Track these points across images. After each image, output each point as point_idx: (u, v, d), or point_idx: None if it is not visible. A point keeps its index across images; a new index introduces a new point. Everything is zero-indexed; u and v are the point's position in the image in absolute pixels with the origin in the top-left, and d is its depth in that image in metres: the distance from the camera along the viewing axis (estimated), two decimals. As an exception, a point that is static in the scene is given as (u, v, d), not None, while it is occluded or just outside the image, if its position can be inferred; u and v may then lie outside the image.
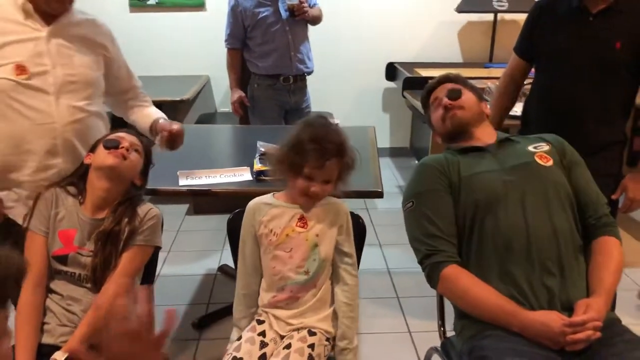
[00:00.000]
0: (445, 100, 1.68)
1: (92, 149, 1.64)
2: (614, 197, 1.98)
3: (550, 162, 1.59)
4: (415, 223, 1.59)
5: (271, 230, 1.54)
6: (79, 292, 1.56)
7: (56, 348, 1.48)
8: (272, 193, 1.61)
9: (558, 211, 1.51)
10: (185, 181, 2.10)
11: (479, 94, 1.74)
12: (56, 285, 1.57)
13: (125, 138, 1.63)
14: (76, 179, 1.63)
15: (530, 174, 1.56)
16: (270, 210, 1.55)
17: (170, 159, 2.41)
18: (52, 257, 1.56)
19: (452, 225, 1.54)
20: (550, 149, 1.63)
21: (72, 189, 1.62)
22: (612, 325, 1.42)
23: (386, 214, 3.74)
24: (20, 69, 1.59)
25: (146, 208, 1.63)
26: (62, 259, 1.55)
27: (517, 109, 3.09)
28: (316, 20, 3.37)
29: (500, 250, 1.48)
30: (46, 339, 1.52)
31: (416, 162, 4.76)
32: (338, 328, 1.55)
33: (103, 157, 1.58)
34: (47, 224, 1.58)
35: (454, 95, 1.68)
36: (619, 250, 1.52)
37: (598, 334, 1.33)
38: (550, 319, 1.36)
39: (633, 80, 2.01)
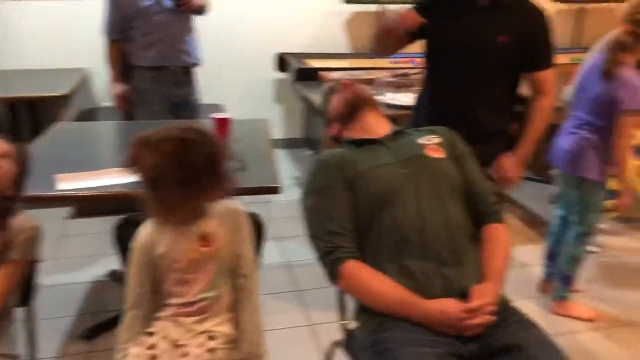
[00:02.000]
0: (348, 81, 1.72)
1: None
2: (492, 174, 2.12)
3: (442, 155, 1.64)
4: (313, 220, 1.57)
5: (173, 260, 1.42)
6: None
7: None
8: (150, 220, 1.45)
9: (450, 202, 1.57)
10: (64, 185, 1.93)
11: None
12: None
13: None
14: None
15: (422, 167, 1.60)
16: (165, 240, 1.42)
17: (47, 161, 2.22)
18: None
19: (350, 221, 1.54)
20: (442, 142, 1.68)
21: None
22: (504, 308, 1.48)
23: (283, 207, 3.70)
24: None
25: (21, 220, 1.48)
26: None
27: (408, 99, 3.17)
28: (202, 10, 3.26)
29: (397, 243, 1.51)
30: None
31: (310, 152, 4.79)
32: (242, 332, 1.48)
33: None
34: None
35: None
36: (506, 236, 1.61)
37: (493, 318, 1.40)
38: (448, 306, 1.40)
39: (517, 73, 2.11)
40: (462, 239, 1.55)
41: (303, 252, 3.08)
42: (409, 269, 1.49)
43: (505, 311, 1.46)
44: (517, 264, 3.02)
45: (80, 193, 1.92)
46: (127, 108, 3.29)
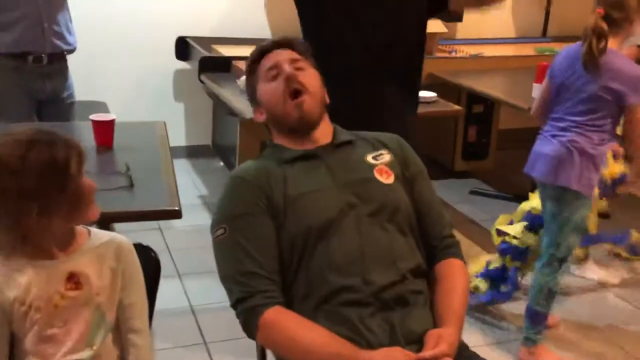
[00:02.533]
0: (288, 71, 1.64)
1: None
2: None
3: (392, 179, 1.66)
4: (227, 256, 1.56)
5: (30, 306, 1.36)
6: None
7: None
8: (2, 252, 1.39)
9: (398, 237, 1.60)
10: None
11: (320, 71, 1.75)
12: None
13: None
14: None
15: (369, 194, 1.61)
16: (21, 279, 1.36)
17: None
18: None
19: (274, 259, 1.54)
20: (392, 160, 1.70)
21: None
22: (461, 353, 1.52)
23: (185, 234, 3.67)
24: None
25: None
26: None
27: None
28: None
29: (330, 287, 1.52)
30: None
31: (221, 164, 4.80)
32: None
33: None
34: None
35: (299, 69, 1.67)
36: (464, 273, 1.67)
37: None
38: (394, 356, 1.42)
39: None
40: (410, 278, 1.58)
41: (210, 293, 3.07)
42: (344, 315, 1.50)
43: (461, 355, 1.50)
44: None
45: None
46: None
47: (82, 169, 1.37)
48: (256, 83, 1.72)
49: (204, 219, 3.87)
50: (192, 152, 4.90)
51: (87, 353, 1.41)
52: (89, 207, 1.40)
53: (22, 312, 1.37)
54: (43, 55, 3.13)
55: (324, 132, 1.70)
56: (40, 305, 1.37)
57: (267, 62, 1.70)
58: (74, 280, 1.39)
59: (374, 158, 1.69)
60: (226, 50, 4.28)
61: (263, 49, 1.73)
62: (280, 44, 1.74)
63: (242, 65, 3.85)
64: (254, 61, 1.74)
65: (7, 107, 3.13)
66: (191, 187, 4.39)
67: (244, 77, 3.47)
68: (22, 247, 1.37)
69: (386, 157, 1.70)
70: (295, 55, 1.71)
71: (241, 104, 3.32)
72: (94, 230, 1.49)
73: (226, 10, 4.76)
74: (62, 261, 1.39)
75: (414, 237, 1.64)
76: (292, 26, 4.78)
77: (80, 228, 1.46)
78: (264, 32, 4.82)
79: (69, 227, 1.41)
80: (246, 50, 4.12)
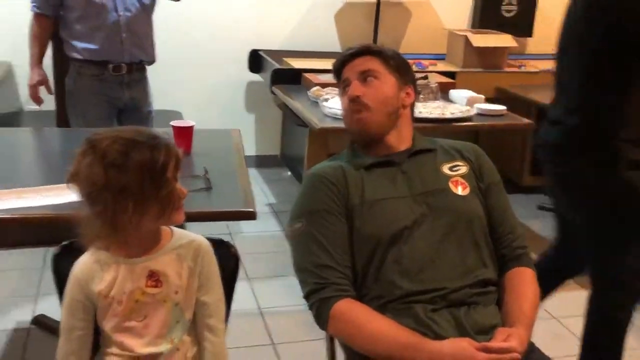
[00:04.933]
0: (351, 92, 1.70)
1: None
2: None
3: (467, 190, 1.69)
4: (303, 249, 1.61)
5: (113, 299, 1.44)
6: None
7: None
8: (96, 248, 1.46)
9: (470, 248, 1.64)
10: (-13, 205, 1.95)
11: (404, 74, 1.75)
12: None
13: None
14: None
15: (443, 205, 1.65)
16: (106, 274, 1.43)
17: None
18: None
19: (346, 255, 1.60)
20: (468, 172, 1.73)
21: None
22: (530, 355, 1.54)
23: (254, 240, 3.74)
24: None
25: None
26: None
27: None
28: None
29: (400, 291, 1.56)
30: None
31: (289, 173, 4.85)
32: None
33: None
34: None
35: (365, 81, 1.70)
36: (535, 282, 1.68)
37: None
38: (462, 346, 1.45)
39: None
40: (479, 286, 1.61)
41: (278, 297, 3.14)
42: (411, 310, 1.55)
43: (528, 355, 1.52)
44: (546, 316, 3.08)
45: (8, 216, 1.93)
46: (59, 109, 3.32)
47: (177, 173, 1.40)
48: (339, 93, 1.80)
49: (272, 225, 3.95)
50: (261, 162, 4.97)
51: (166, 347, 1.46)
52: (177, 211, 1.42)
53: (105, 304, 1.43)
54: (122, 64, 3.21)
55: (401, 138, 1.74)
56: (122, 299, 1.43)
57: (344, 74, 1.76)
58: (154, 278, 1.44)
59: (451, 169, 1.72)
60: (297, 63, 4.34)
61: (343, 59, 1.77)
62: (358, 52, 1.75)
63: (312, 77, 3.95)
64: (337, 71, 1.79)
65: (88, 112, 3.25)
66: (260, 195, 4.44)
67: (314, 89, 3.59)
68: (112, 242, 1.42)
69: (462, 168, 1.73)
70: (369, 65, 1.72)
71: (311, 115, 3.36)
72: (177, 230, 1.52)
73: (297, 24, 4.85)
74: (144, 259, 1.44)
75: (487, 247, 1.67)
76: (359, 39, 4.88)
77: (164, 228, 1.50)
78: (334, 46, 4.89)
79: (156, 227, 1.45)
80: (316, 63, 4.27)
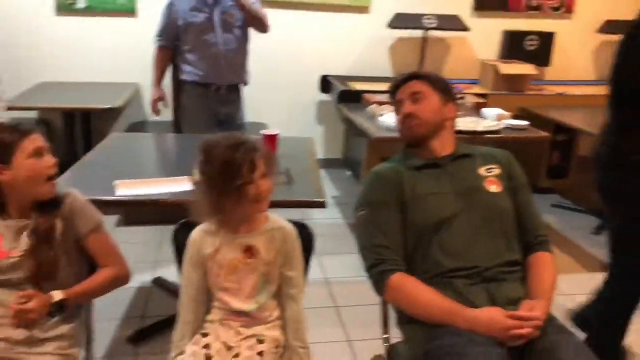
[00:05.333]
0: (405, 110, 1.71)
1: (2, 160, 1.47)
2: None
3: (499, 189, 1.67)
4: (365, 231, 1.63)
5: (218, 263, 1.49)
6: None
7: None
8: (210, 222, 1.52)
9: (500, 235, 1.62)
10: (123, 191, 2.03)
11: (447, 94, 1.74)
12: None
13: (52, 159, 1.53)
14: None
15: (478, 201, 1.64)
16: (216, 242, 1.50)
17: (102, 168, 2.34)
18: None
19: (399, 238, 1.61)
20: (501, 173, 1.71)
21: None
22: (551, 322, 1.52)
23: (323, 225, 3.76)
24: None
25: (68, 196, 1.57)
26: None
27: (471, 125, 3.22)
28: (254, 17, 3.20)
29: (443, 267, 1.56)
30: None
31: (349, 174, 4.85)
32: (289, 334, 1.53)
33: (39, 184, 1.49)
34: None
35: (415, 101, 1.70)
36: (553, 264, 1.66)
37: (537, 333, 1.43)
38: (495, 314, 1.45)
39: None
40: (507, 267, 1.59)
41: (341, 270, 3.15)
42: (452, 284, 1.55)
43: (547, 321, 1.49)
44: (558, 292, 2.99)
45: (142, 199, 2.01)
46: (175, 121, 3.40)
47: (256, 173, 1.40)
48: (395, 111, 1.80)
49: (336, 214, 3.95)
50: (328, 164, 4.97)
51: (253, 306, 1.50)
52: (257, 203, 1.44)
53: (211, 266, 1.49)
54: (222, 86, 3.28)
55: (445, 145, 1.73)
56: (223, 264, 1.48)
57: (397, 96, 1.76)
58: (250, 251, 1.48)
59: (486, 171, 1.70)
60: (358, 86, 4.33)
61: (397, 84, 1.78)
62: (409, 77, 1.76)
63: (370, 97, 3.94)
64: (392, 93, 1.80)
65: (197, 123, 3.31)
66: (326, 190, 4.41)
67: (372, 106, 3.59)
68: (219, 221, 1.48)
69: (496, 171, 1.71)
70: (418, 87, 1.72)
71: (369, 127, 3.34)
72: (272, 217, 1.55)
73: (359, 55, 4.83)
74: (244, 236, 1.49)
75: (514, 236, 1.65)
76: (411, 68, 4.86)
77: (261, 214, 1.51)
78: (387, 72, 4.86)
79: (244, 212, 1.46)
80: (373, 86, 4.27)
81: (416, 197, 1.63)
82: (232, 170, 1.38)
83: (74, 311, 1.57)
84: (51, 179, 1.52)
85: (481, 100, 4.09)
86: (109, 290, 1.62)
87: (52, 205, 1.54)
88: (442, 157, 1.71)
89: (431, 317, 1.50)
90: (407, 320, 1.58)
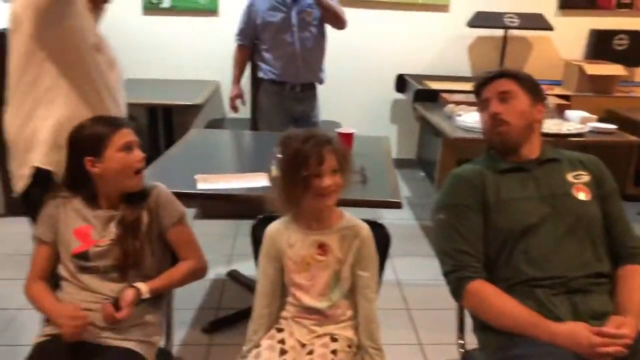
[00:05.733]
0: (492, 109, 1.63)
1: (94, 152, 1.53)
2: None
3: (588, 196, 1.59)
4: (444, 235, 1.58)
5: (291, 258, 1.50)
6: (106, 286, 1.54)
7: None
8: (287, 217, 1.54)
9: (588, 245, 1.54)
10: (203, 185, 2.08)
11: (536, 93, 1.65)
12: (83, 282, 1.55)
13: (141, 153, 1.58)
14: (80, 182, 1.58)
15: (566, 208, 1.56)
16: (290, 237, 1.51)
17: (183, 163, 2.41)
18: (73, 256, 1.55)
19: (480, 243, 1.55)
20: (590, 180, 1.62)
21: (82, 191, 1.60)
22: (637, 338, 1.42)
23: (394, 226, 3.69)
24: None
25: (151, 189, 1.63)
26: (84, 255, 1.54)
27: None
28: (332, 13, 3.18)
29: (526, 276, 1.50)
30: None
31: (422, 174, 4.78)
32: (362, 334, 1.52)
33: (128, 177, 1.55)
34: (52, 230, 1.58)
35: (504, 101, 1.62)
36: None
37: (626, 351, 1.34)
38: (578, 330, 1.36)
39: None
40: (594, 278, 1.51)
41: (413, 272, 3.10)
42: (533, 293, 1.48)
43: (637, 341, 1.40)
44: None
45: (221, 193, 2.06)
46: (252, 119, 3.46)
47: (323, 167, 1.40)
48: (479, 109, 1.72)
49: (408, 215, 3.91)
50: (401, 164, 4.90)
51: (325, 304, 1.49)
52: (328, 198, 1.43)
53: (286, 261, 1.50)
54: (297, 84, 3.31)
55: (531, 149, 1.65)
56: (297, 260, 1.49)
57: (483, 94, 1.68)
58: (322, 248, 1.48)
59: (574, 177, 1.62)
60: (435, 85, 4.25)
61: (483, 81, 1.69)
62: (497, 75, 1.67)
63: (447, 96, 3.86)
64: (477, 90, 1.71)
65: (272, 120, 3.36)
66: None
67: (449, 106, 3.51)
68: (294, 216, 1.51)
69: (585, 177, 1.62)
70: (506, 86, 1.63)
71: (445, 127, 3.28)
72: (347, 215, 1.54)
73: (436, 54, 4.75)
74: (317, 233, 1.49)
75: (603, 245, 1.56)
76: (490, 67, 4.71)
77: (337, 210, 1.52)
78: (466, 71, 4.75)
79: (316, 207, 1.46)
80: (451, 85, 4.18)
81: (500, 201, 1.57)
82: (300, 161, 1.39)
83: (157, 301, 1.62)
84: (138, 172, 1.58)
85: (564, 102, 3.92)
86: (188, 282, 1.66)
87: (139, 197, 1.60)
88: (529, 160, 1.64)
89: (511, 327, 1.44)
90: (483, 326, 1.54)
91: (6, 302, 2.64)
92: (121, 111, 1.92)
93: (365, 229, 1.52)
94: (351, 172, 1.48)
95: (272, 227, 1.55)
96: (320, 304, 1.50)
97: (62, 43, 1.70)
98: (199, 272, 1.68)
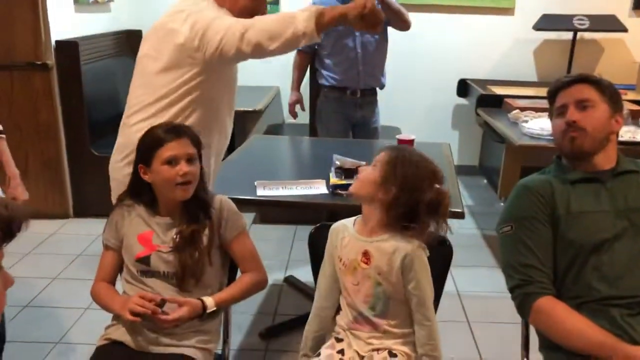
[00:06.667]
0: (569, 117, 1.52)
1: (144, 161, 1.56)
2: None
3: None
4: (511, 249, 1.51)
5: (340, 259, 1.49)
6: (169, 289, 1.57)
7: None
8: (356, 217, 1.52)
9: None
10: (263, 191, 2.09)
11: (616, 103, 1.55)
12: (146, 285, 1.58)
13: (188, 168, 1.54)
14: (139, 191, 1.61)
15: None
16: (345, 238, 1.49)
17: (244, 168, 2.43)
18: (136, 261, 1.57)
19: (549, 258, 1.47)
20: None
21: (143, 197, 1.62)
22: None
23: (456, 235, 3.59)
24: None
25: (216, 201, 1.63)
26: (146, 260, 1.57)
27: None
28: (396, 13, 3.09)
29: (599, 294, 1.42)
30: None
31: (485, 181, 4.65)
32: (419, 349, 1.47)
33: (171, 189, 1.55)
34: (117, 236, 1.62)
35: (582, 110, 1.52)
36: None
37: None
38: None
39: None
40: None
41: (473, 283, 3.01)
42: (607, 312, 1.39)
43: None
44: None
45: (280, 199, 2.07)
46: (312, 125, 3.46)
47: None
48: (551, 116, 1.62)
49: (470, 224, 3.80)
50: (462, 170, 4.78)
51: (370, 312, 1.46)
52: None
53: (337, 261, 1.50)
54: (357, 90, 3.25)
55: (606, 159, 1.54)
56: (346, 263, 1.47)
57: (559, 100, 1.57)
58: (366, 256, 1.44)
59: None
60: (499, 90, 4.13)
61: (561, 85, 1.58)
62: (576, 80, 1.56)
63: (512, 102, 3.74)
64: (552, 94, 1.61)
65: (331, 126, 3.33)
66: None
67: (514, 112, 3.40)
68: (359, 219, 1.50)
69: None
70: (586, 94, 1.53)
71: (510, 133, 3.17)
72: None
73: (500, 58, 4.62)
74: (366, 240, 1.45)
75: None
76: (557, 72, 4.55)
77: (390, 220, 1.44)
78: (531, 77, 4.60)
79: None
80: (516, 90, 4.05)
81: (571, 213, 1.48)
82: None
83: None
84: (184, 184, 1.54)
85: (638, 108, 3.70)
86: (251, 294, 1.67)
87: (199, 208, 1.60)
88: (603, 171, 1.53)
89: (582, 348, 1.36)
90: (550, 345, 1.46)
91: (74, 300, 2.74)
92: (226, 142, 2.05)
93: (409, 248, 1.42)
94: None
95: (338, 223, 1.54)
96: (367, 311, 1.46)
97: (218, 86, 1.84)
98: (261, 284, 1.69)
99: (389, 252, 1.42)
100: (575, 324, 1.38)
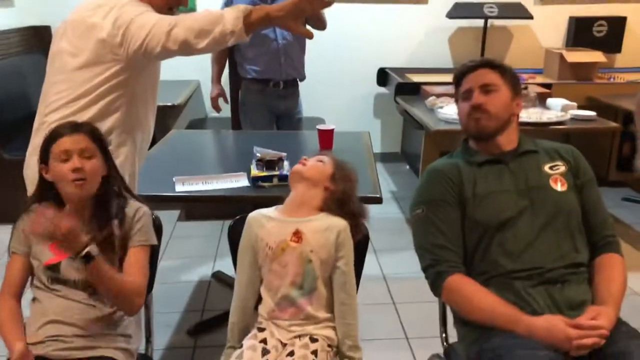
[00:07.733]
0: (474, 101, 1.59)
1: (44, 160, 1.50)
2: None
3: (565, 187, 1.58)
4: (422, 230, 1.58)
5: (267, 244, 1.51)
6: (78, 297, 1.51)
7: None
8: (275, 207, 1.57)
9: (566, 236, 1.54)
10: (182, 187, 2.07)
11: (516, 87, 1.63)
12: (57, 293, 1.52)
13: (81, 164, 1.48)
14: (45, 192, 1.54)
15: (543, 199, 1.55)
16: (268, 224, 1.53)
17: (163, 164, 2.39)
18: (45, 268, 1.51)
19: (458, 238, 1.55)
20: (566, 171, 1.61)
21: (50, 200, 1.54)
22: (619, 328, 1.43)
23: (379, 221, 3.72)
24: None
25: (134, 207, 1.58)
26: (56, 267, 1.51)
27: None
28: (321, 22, 3.20)
29: (503, 269, 1.50)
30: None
31: (407, 167, 4.78)
32: (339, 329, 1.52)
33: (65, 184, 1.49)
34: (26, 242, 1.54)
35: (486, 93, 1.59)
36: (623, 266, 1.55)
37: (603, 342, 1.34)
38: (554, 323, 1.36)
39: None
40: (572, 268, 1.51)
41: (398, 266, 3.10)
42: (511, 285, 1.48)
43: (615, 326, 1.41)
44: (629, 291, 2.84)
45: (199, 194, 2.05)
46: (234, 117, 3.43)
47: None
48: (457, 99, 1.69)
49: (394, 208, 3.91)
50: (385, 158, 4.93)
51: (297, 292, 1.49)
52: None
53: (262, 247, 1.52)
54: (280, 81, 3.26)
55: (509, 141, 1.63)
56: (272, 246, 1.50)
57: (465, 84, 1.64)
58: (297, 235, 1.49)
59: (551, 168, 1.61)
60: (416, 78, 4.26)
61: (466, 70, 1.64)
62: (480, 65, 1.63)
63: (428, 89, 3.86)
64: (458, 79, 1.67)
65: (256, 118, 3.33)
66: (384, 184, 4.38)
67: (430, 98, 3.51)
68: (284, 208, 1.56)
69: (561, 167, 1.61)
70: (490, 78, 1.60)
71: (427, 120, 3.28)
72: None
73: (417, 46, 4.76)
74: (298, 220, 1.51)
75: (580, 236, 1.56)
76: (469, 56, 4.70)
77: (317, 202, 1.54)
78: (447, 63, 4.76)
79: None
80: (432, 77, 4.18)
81: (477, 194, 1.56)
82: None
83: None
84: (78, 180, 1.48)
85: (545, 90, 3.93)
86: (119, 297, 1.49)
87: (109, 211, 1.54)
88: (505, 152, 1.62)
89: (489, 321, 1.44)
90: (462, 320, 1.54)
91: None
92: (149, 140, 2.03)
93: (342, 225, 1.53)
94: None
95: (254, 214, 1.57)
96: (293, 293, 1.49)
97: (141, 83, 1.81)
98: (135, 292, 1.51)
99: (322, 228, 1.50)
100: (481, 299, 1.46)
